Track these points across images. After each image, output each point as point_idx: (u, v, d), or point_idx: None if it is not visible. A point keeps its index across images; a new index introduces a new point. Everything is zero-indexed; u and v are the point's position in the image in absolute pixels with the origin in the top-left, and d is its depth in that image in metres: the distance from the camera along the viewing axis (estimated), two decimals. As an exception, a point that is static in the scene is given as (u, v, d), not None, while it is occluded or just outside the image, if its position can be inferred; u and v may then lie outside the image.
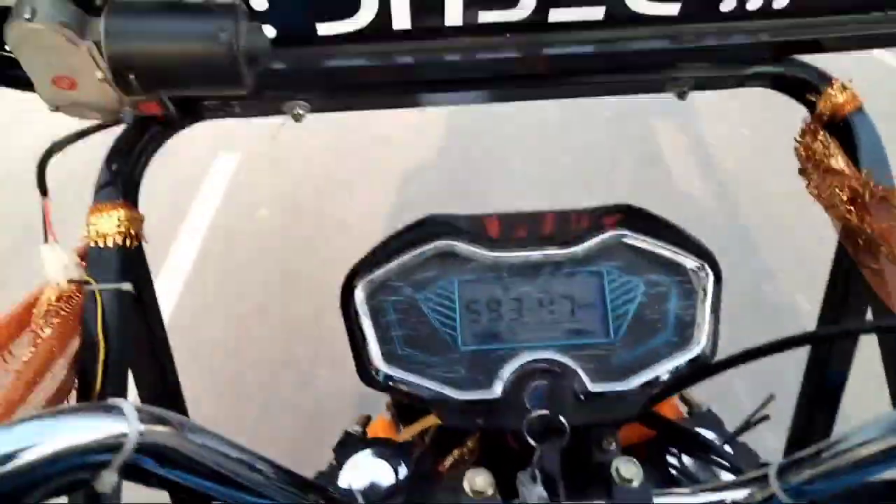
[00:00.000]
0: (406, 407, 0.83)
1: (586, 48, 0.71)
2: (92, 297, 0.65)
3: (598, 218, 0.64)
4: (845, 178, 0.72)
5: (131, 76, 0.57)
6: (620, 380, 0.61)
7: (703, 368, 0.61)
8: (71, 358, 0.65)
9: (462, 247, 0.63)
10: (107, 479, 0.35)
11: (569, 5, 0.67)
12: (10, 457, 0.32)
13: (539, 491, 0.51)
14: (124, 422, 0.36)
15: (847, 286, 0.74)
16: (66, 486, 0.35)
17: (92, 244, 0.68)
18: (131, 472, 0.37)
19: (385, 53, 0.70)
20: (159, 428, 0.38)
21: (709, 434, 0.68)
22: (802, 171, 0.78)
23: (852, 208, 0.72)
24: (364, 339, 0.62)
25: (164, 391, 0.78)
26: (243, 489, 0.44)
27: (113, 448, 0.35)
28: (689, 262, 0.63)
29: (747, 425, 0.66)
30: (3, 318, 0.63)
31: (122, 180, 0.70)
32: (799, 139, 0.77)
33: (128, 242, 0.69)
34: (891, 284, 0.68)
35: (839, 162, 0.74)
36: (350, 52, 0.69)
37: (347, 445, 0.66)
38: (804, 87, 0.75)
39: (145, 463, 0.37)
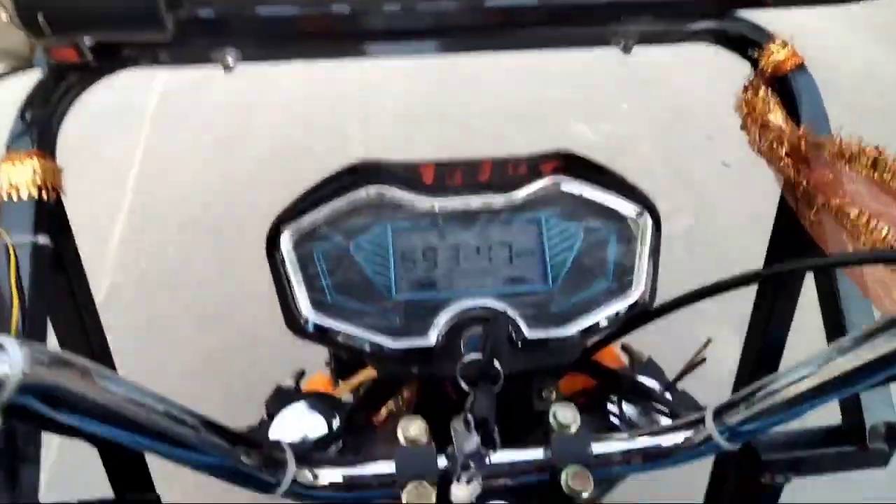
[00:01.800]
0: (343, 363, 0.82)
1: (527, 0, 0.69)
2: (5, 251, 0.61)
3: (536, 164, 0.63)
4: (783, 133, 0.73)
5: (40, 17, 0.53)
6: (559, 326, 0.60)
7: (642, 314, 0.61)
8: None
9: (395, 193, 0.62)
10: None
11: None
12: None
13: (473, 436, 0.50)
14: (6, 357, 0.33)
15: (789, 238, 0.75)
16: None
17: (4, 196, 0.64)
18: (18, 413, 0.34)
19: (319, 2, 0.66)
20: (52, 367, 0.35)
21: (650, 382, 0.69)
22: (744, 126, 0.78)
23: (790, 161, 0.73)
24: (291, 287, 0.60)
25: (89, 349, 0.75)
26: (161, 438, 0.42)
27: None
28: (628, 208, 0.63)
29: (686, 370, 0.66)
30: None
31: (37, 129, 0.66)
32: (741, 95, 0.78)
33: (44, 195, 0.64)
34: (828, 233, 0.69)
35: (778, 117, 0.74)
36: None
37: (279, 398, 0.65)
38: (746, 44, 0.74)
39: (34, 405, 0.35)
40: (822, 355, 0.44)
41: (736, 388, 0.85)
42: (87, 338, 0.75)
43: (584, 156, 0.64)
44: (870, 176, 0.65)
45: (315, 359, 0.94)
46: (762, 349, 0.80)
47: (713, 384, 0.73)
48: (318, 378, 0.87)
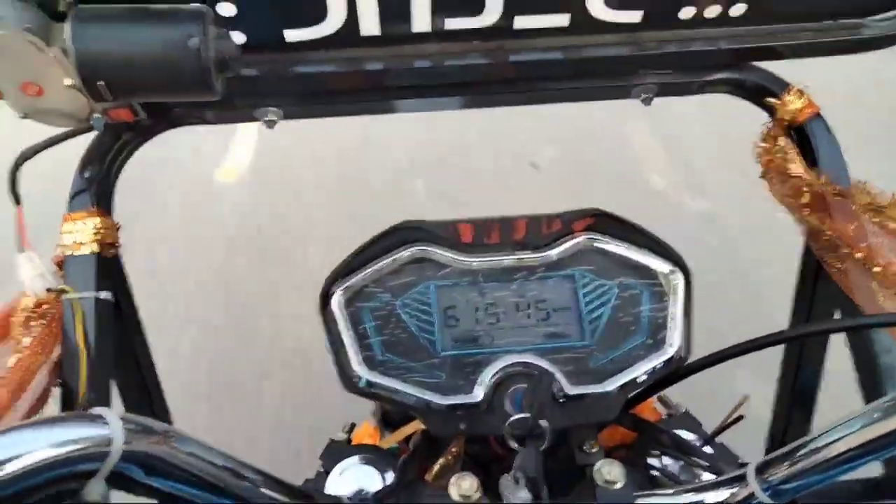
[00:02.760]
0: (390, 414, 0.84)
1: (551, 55, 0.72)
2: (70, 306, 0.65)
3: (568, 222, 0.65)
4: (804, 182, 0.75)
5: (100, 83, 0.58)
6: (598, 382, 0.61)
7: (678, 369, 0.62)
8: (51, 368, 0.65)
9: (437, 252, 0.64)
10: (94, 489, 0.36)
11: (534, 13, 0.69)
12: None
13: (522, 493, 0.51)
14: (108, 430, 0.36)
15: (815, 286, 0.76)
16: (54, 497, 0.35)
17: (67, 253, 0.68)
18: (118, 480, 0.38)
19: (353, 59, 0.71)
20: (144, 436, 0.39)
21: (687, 435, 0.69)
22: (764, 175, 0.80)
23: (813, 211, 0.74)
24: (343, 345, 0.62)
25: (147, 399, 0.78)
26: (230, 496, 0.44)
27: (98, 457, 0.36)
28: (660, 265, 0.64)
29: (724, 426, 0.67)
30: None
31: (95, 188, 0.70)
32: (760, 144, 0.80)
33: (104, 251, 0.69)
34: (855, 283, 0.70)
35: (798, 167, 0.76)
36: (319, 59, 0.70)
37: (333, 452, 0.66)
38: (763, 93, 0.77)
39: (131, 472, 0.38)
40: (868, 412, 0.45)
41: (770, 440, 0.85)
42: (149, 393, 0.78)
43: (615, 214, 0.67)
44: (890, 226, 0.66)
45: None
46: (794, 402, 0.81)
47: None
48: (366, 429, 0.89)
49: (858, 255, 0.69)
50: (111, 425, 0.37)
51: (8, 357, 0.64)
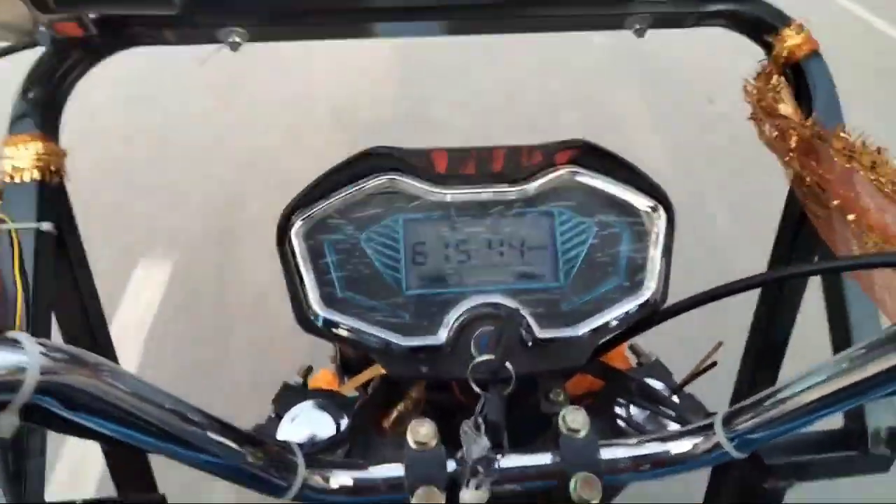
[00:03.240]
0: (350, 359, 0.81)
1: None
2: (8, 236, 0.60)
3: (550, 154, 0.61)
4: (793, 124, 0.72)
5: None
6: (569, 325, 0.59)
7: (653, 314, 0.60)
8: None
9: (407, 182, 0.60)
10: (5, 422, 0.32)
11: None
12: None
13: (483, 440, 0.49)
14: (24, 356, 0.32)
15: (797, 234, 0.74)
16: None
17: (7, 180, 0.63)
18: (35, 414, 0.34)
19: None
20: (68, 366, 0.35)
21: (657, 384, 0.68)
22: (753, 116, 0.77)
23: (799, 155, 0.72)
24: (301, 280, 0.59)
25: (90, 337, 0.74)
26: (170, 438, 0.41)
27: (9, 387, 0.32)
28: (642, 201, 0.61)
29: (695, 374, 0.66)
30: None
31: (39, 110, 0.65)
32: (751, 82, 0.76)
33: (47, 178, 0.64)
34: (837, 231, 0.68)
35: (788, 107, 0.73)
36: None
37: (287, 396, 0.64)
38: (761, 28, 0.73)
39: (50, 404, 0.34)
40: (832, 365, 0.44)
41: (737, 390, 0.85)
42: (91, 328, 0.74)
43: (600, 146, 0.63)
44: (870, 176, 0.64)
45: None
46: (763, 351, 0.80)
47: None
48: (323, 375, 0.86)
49: (836, 201, 0.67)
50: (27, 350, 0.32)
51: None
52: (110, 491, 0.77)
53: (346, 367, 0.82)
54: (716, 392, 0.74)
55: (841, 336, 0.67)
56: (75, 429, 0.37)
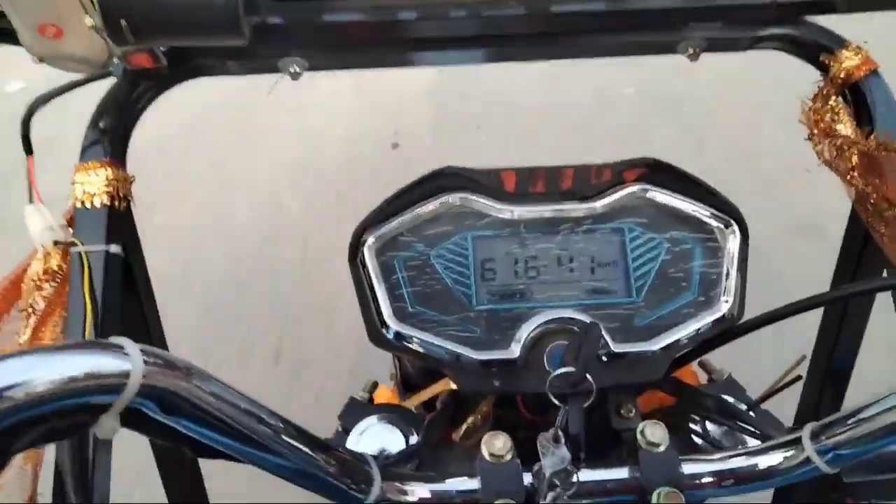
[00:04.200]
0: (410, 377, 0.81)
1: (594, 5, 0.68)
2: (78, 259, 0.62)
3: (619, 172, 0.62)
4: (851, 142, 0.71)
5: (123, 22, 0.54)
6: (644, 340, 0.59)
7: (729, 330, 0.60)
8: (62, 327, 0.62)
9: (477, 200, 0.61)
10: (106, 424, 0.33)
11: None
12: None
13: (562, 452, 0.49)
14: (127, 361, 0.33)
15: (861, 254, 0.73)
16: (61, 431, 0.31)
17: (78, 205, 0.65)
18: (132, 418, 0.34)
19: (386, 8, 0.67)
20: (164, 370, 0.35)
21: (732, 401, 0.67)
22: (810, 137, 0.77)
23: (861, 173, 0.71)
24: (374, 295, 0.59)
25: None
26: (252, 443, 0.41)
27: (115, 389, 0.32)
28: (714, 218, 0.61)
29: (777, 388, 0.64)
30: None
31: (109, 138, 0.67)
32: (809, 104, 0.76)
33: (116, 203, 0.65)
34: None
35: (847, 128, 0.73)
36: (350, 7, 0.66)
37: (354, 411, 0.64)
38: (817, 50, 0.73)
39: (148, 408, 0.34)
40: None
41: (801, 407, 0.83)
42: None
43: (670, 164, 0.63)
44: None
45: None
46: (829, 370, 0.78)
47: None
48: (383, 393, 0.86)
49: None
50: (131, 355, 0.33)
51: (19, 321, 0.62)
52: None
53: (406, 385, 0.82)
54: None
55: None
56: (168, 434, 0.37)
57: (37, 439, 0.31)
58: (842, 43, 0.72)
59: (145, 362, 0.33)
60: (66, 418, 0.31)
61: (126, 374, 0.32)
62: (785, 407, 0.74)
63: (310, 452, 0.45)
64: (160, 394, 0.35)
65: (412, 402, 0.68)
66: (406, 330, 0.59)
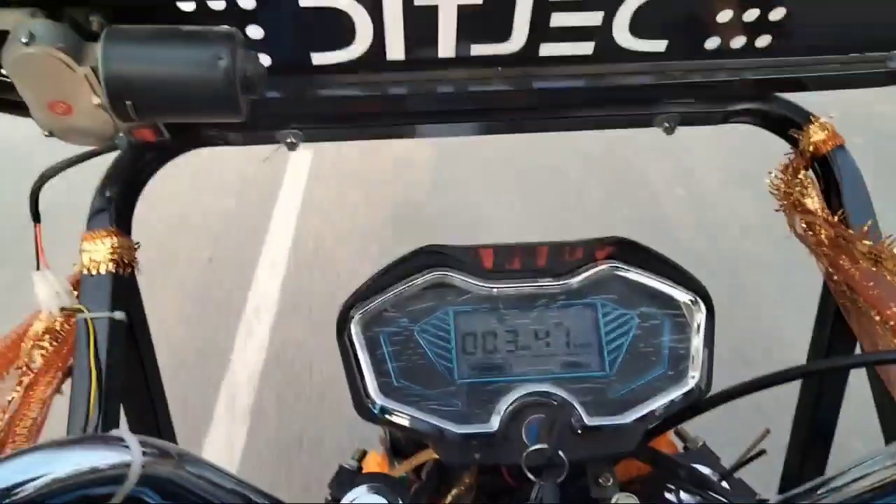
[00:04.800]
0: (399, 442, 0.83)
1: (575, 82, 0.72)
2: (84, 325, 0.64)
3: (591, 250, 0.65)
4: (821, 220, 0.74)
5: (128, 102, 0.58)
6: (617, 413, 0.61)
7: (698, 402, 0.61)
8: (56, 386, 0.64)
9: (457, 277, 0.63)
10: None
11: (559, 41, 0.69)
12: (11, 490, 0.32)
13: None
14: (127, 453, 0.35)
15: (834, 323, 0.76)
16: None
17: (84, 272, 0.68)
18: None
19: (378, 84, 0.71)
20: (161, 460, 0.38)
21: (706, 470, 0.68)
22: (782, 209, 0.80)
23: (830, 249, 0.73)
24: (360, 370, 0.61)
25: (154, 422, 0.77)
26: None
27: (116, 480, 0.35)
28: (682, 295, 0.63)
29: (744, 461, 0.66)
30: None
31: (115, 207, 0.70)
32: (779, 175, 0.79)
33: (120, 270, 0.68)
34: (865, 326, 0.69)
35: (815, 202, 0.75)
36: (344, 82, 0.70)
37: (343, 480, 0.65)
38: (787, 124, 0.77)
39: (147, 496, 0.37)
40: (886, 453, 0.44)
41: (784, 479, 0.84)
42: (156, 416, 0.77)
43: (638, 242, 0.66)
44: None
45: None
46: (809, 440, 0.80)
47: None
48: (373, 458, 0.87)
49: (862, 301, 0.67)
50: (130, 447, 0.36)
51: (15, 382, 0.64)
52: None
53: (396, 450, 0.83)
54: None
55: (891, 424, 0.67)
56: None
57: None
58: (810, 118, 0.76)
59: (144, 454, 0.36)
60: None
61: (126, 466, 0.35)
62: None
63: None
64: (158, 482, 0.37)
65: (401, 470, 0.70)
66: (390, 404, 0.60)
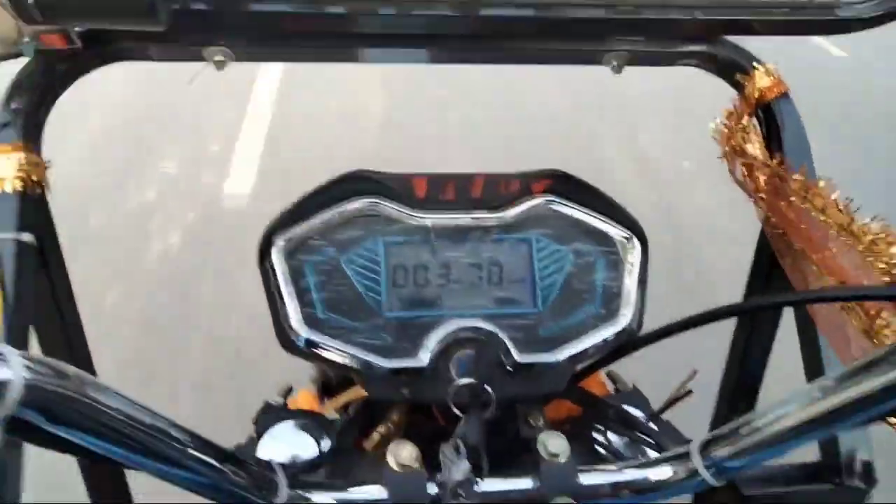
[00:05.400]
0: (330, 380, 0.81)
1: (523, 11, 0.69)
2: None
3: (527, 183, 0.63)
4: (760, 164, 0.74)
5: (30, 1, 0.52)
6: (548, 351, 0.60)
7: (629, 342, 0.61)
8: None
9: (388, 206, 0.61)
10: None
11: None
12: None
13: (463, 463, 0.50)
14: (7, 369, 0.32)
15: (770, 269, 0.76)
16: None
17: None
18: (18, 427, 0.34)
19: (316, 2, 0.66)
20: (51, 379, 0.34)
21: (635, 411, 0.68)
22: (723, 154, 0.79)
23: (768, 196, 0.73)
24: (283, 300, 0.59)
25: (68, 350, 0.73)
26: (151, 455, 0.41)
27: None
28: (617, 232, 0.62)
29: (671, 402, 0.66)
30: None
31: (22, 120, 0.64)
32: (723, 122, 0.78)
33: (29, 189, 0.63)
34: (801, 270, 0.70)
35: (756, 148, 0.75)
36: None
37: (268, 416, 0.64)
38: (733, 69, 0.75)
39: (33, 418, 0.34)
40: (807, 393, 0.45)
41: (714, 421, 0.86)
42: (70, 342, 0.73)
43: (575, 177, 0.64)
44: (820, 218, 0.66)
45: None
46: (740, 383, 0.81)
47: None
48: (303, 395, 0.86)
49: (797, 243, 0.68)
50: (10, 364, 0.32)
51: None
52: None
53: (327, 389, 0.82)
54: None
55: (813, 368, 0.68)
56: (57, 443, 0.37)
57: None
58: (756, 63, 0.75)
59: (28, 370, 0.33)
60: None
61: (6, 384, 0.32)
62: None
63: (212, 462, 0.45)
64: (45, 403, 0.34)
65: (329, 407, 0.68)
66: (315, 336, 0.58)
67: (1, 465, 0.52)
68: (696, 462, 0.51)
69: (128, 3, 0.53)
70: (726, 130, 0.77)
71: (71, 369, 0.37)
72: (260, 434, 0.62)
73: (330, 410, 0.70)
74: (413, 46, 0.73)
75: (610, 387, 0.81)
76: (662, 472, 0.53)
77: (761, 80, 0.74)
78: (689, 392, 0.66)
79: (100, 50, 0.66)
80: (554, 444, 0.54)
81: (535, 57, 0.76)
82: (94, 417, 0.37)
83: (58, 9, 0.53)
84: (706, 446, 0.51)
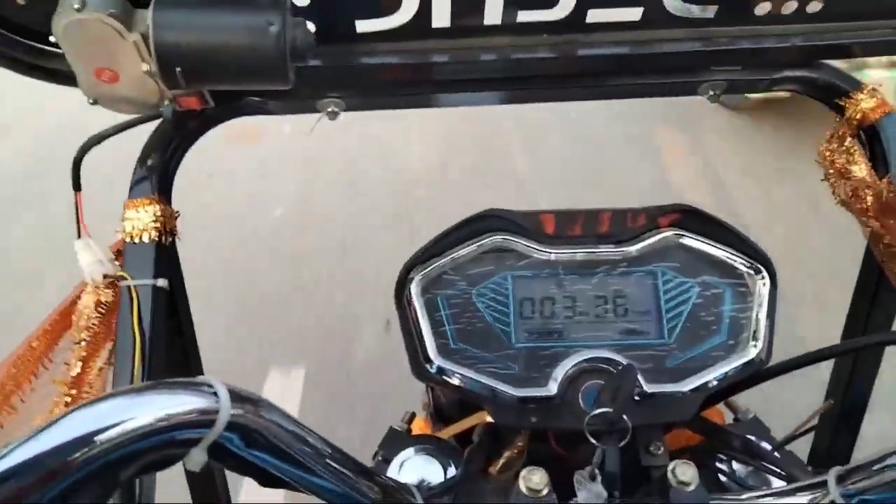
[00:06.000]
0: (443, 408, 0.83)
1: (622, 49, 0.71)
2: (128, 293, 0.65)
3: (654, 217, 0.65)
4: (866, 184, 0.73)
5: (178, 69, 0.57)
6: (675, 381, 0.61)
7: (756, 373, 0.61)
8: (108, 358, 0.65)
9: (518, 242, 0.63)
10: (196, 457, 0.35)
11: (607, 6, 0.68)
12: (103, 431, 0.32)
13: (598, 489, 0.51)
14: (216, 399, 0.36)
15: (875, 293, 0.75)
16: (158, 463, 0.34)
17: (127, 240, 0.68)
18: (217, 451, 0.37)
19: (423, 52, 0.69)
20: (248, 407, 0.38)
21: (758, 441, 0.68)
22: (826, 178, 0.79)
23: (875, 215, 0.73)
24: (419, 331, 0.62)
25: None
26: (312, 473, 0.43)
27: (205, 424, 0.35)
28: (745, 265, 0.63)
29: (798, 433, 0.66)
30: (43, 325, 0.64)
31: (156, 175, 0.70)
32: (824, 145, 0.78)
33: (162, 238, 0.68)
34: None
35: (861, 168, 0.74)
36: (388, 50, 0.69)
37: (394, 441, 0.66)
38: (833, 92, 0.75)
39: (232, 443, 0.37)
40: None
41: (814, 450, 0.84)
42: (192, 374, 0.77)
43: (702, 210, 0.65)
44: None
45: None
46: (842, 414, 0.80)
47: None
48: (417, 423, 0.88)
49: None
50: (219, 393, 0.36)
51: (69, 351, 0.65)
52: None
53: (439, 416, 0.84)
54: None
55: None
56: (244, 466, 0.39)
57: (139, 470, 0.34)
58: (857, 85, 0.75)
59: (232, 400, 0.36)
60: (163, 451, 0.34)
61: (216, 412, 0.35)
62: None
63: (360, 480, 0.47)
64: (243, 429, 0.37)
65: (446, 434, 0.70)
66: (448, 365, 0.61)
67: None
68: (833, 493, 0.50)
69: (263, 67, 0.58)
70: (828, 153, 0.77)
71: (259, 397, 0.40)
72: (388, 459, 0.65)
73: (448, 435, 0.72)
74: (515, 89, 0.75)
75: (728, 415, 0.80)
76: (796, 501, 0.53)
77: (864, 102, 0.74)
78: (815, 426, 0.65)
79: (227, 107, 0.71)
80: (684, 473, 0.54)
81: (631, 91, 0.78)
82: (275, 443, 0.40)
83: (201, 75, 0.58)
84: (843, 477, 0.50)
